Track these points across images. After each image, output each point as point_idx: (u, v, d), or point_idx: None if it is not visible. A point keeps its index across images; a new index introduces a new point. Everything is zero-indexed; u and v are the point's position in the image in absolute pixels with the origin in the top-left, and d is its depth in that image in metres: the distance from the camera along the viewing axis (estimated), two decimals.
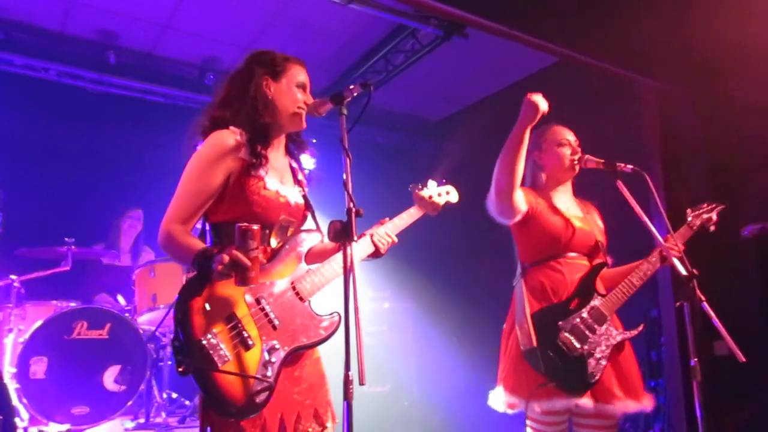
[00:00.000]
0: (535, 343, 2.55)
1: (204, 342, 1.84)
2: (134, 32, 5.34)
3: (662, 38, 4.61)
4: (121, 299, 4.99)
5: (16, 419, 3.60)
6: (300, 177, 2.34)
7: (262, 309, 1.98)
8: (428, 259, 6.24)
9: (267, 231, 2.11)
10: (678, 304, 2.50)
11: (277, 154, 2.25)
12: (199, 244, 1.97)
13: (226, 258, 1.82)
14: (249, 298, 1.97)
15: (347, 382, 1.74)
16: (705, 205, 2.94)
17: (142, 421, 4.30)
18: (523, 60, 5.61)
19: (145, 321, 4.57)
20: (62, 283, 4.78)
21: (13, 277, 4.38)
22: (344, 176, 1.94)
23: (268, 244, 2.12)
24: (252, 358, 1.91)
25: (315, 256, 2.22)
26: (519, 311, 2.69)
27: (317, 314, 2.08)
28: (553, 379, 2.50)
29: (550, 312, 2.63)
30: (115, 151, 5.67)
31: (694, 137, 4.87)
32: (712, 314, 2.44)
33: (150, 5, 4.96)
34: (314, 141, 4.72)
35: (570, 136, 2.90)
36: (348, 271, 1.83)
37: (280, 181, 2.18)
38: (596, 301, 2.66)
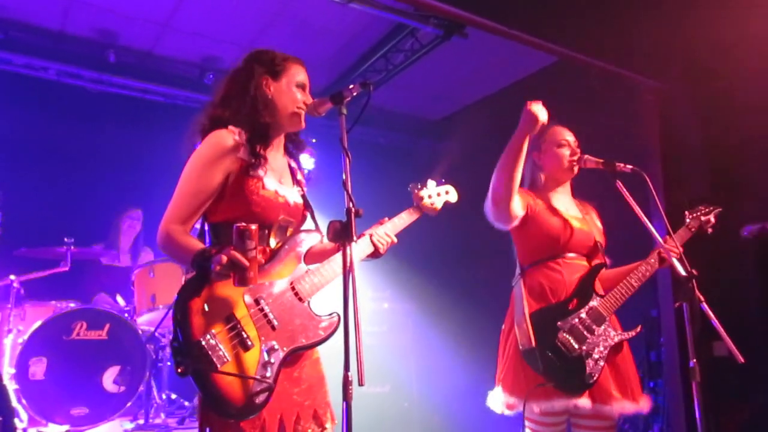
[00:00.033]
0: (533, 343, 2.55)
1: (203, 343, 1.84)
2: (134, 31, 5.33)
3: (662, 38, 4.62)
4: (120, 300, 4.98)
5: (16, 420, 3.59)
6: (299, 177, 2.33)
7: (261, 309, 1.98)
8: (428, 260, 6.23)
9: (266, 231, 2.11)
10: (677, 304, 2.50)
11: (276, 154, 2.25)
12: (198, 245, 1.97)
13: (224, 258, 1.82)
14: (248, 298, 1.97)
15: (346, 383, 1.74)
16: (702, 207, 2.95)
17: (141, 422, 4.29)
18: (523, 60, 5.61)
19: (144, 321, 4.57)
20: (61, 284, 4.78)
21: (12, 277, 4.37)
22: (344, 176, 1.94)
23: (267, 244, 2.12)
24: (251, 359, 1.91)
25: (314, 257, 2.21)
26: (518, 311, 2.69)
27: (316, 315, 2.07)
28: (551, 379, 2.50)
29: (548, 312, 2.64)
30: (115, 150, 5.67)
31: (694, 137, 4.87)
32: (712, 315, 2.44)
33: (150, 4, 4.95)
34: (314, 141, 4.73)
35: (569, 137, 2.89)
36: (347, 271, 1.83)
37: (278, 181, 2.18)
38: (595, 302, 2.66)
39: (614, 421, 2.61)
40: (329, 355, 2.21)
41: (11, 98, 5.16)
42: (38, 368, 4.04)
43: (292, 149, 2.38)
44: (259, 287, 2.00)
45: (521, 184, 2.87)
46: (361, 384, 1.71)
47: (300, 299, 2.06)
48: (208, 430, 1.93)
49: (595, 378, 2.53)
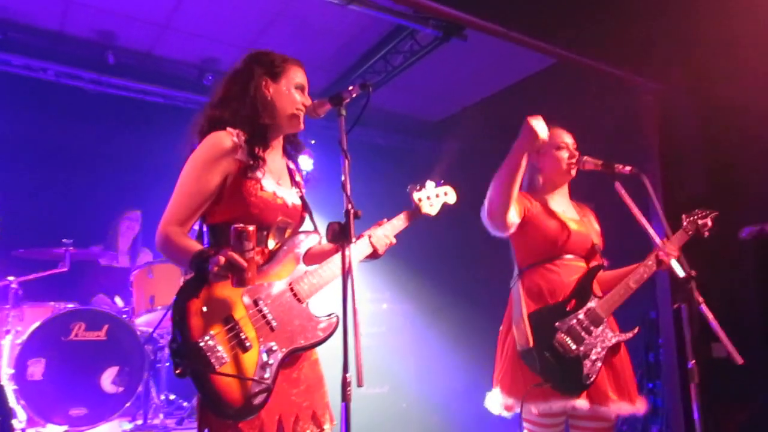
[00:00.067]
0: (531, 343, 2.55)
1: (201, 344, 1.84)
2: (133, 32, 5.33)
3: (661, 40, 4.62)
4: (119, 300, 4.98)
5: (14, 421, 3.59)
6: (297, 178, 2.33)
7: (260, 310, 1.98)
8: (426, 261, 6.24)
9: (264, 232, 2.11)
10: (676, 305, 2.51)
11: (274, 156, 2.25)
12: (196, 246, 1.97)
13: (221, 259, 1.82)
14: (247, 299, 1.97)
15: (345, 384, 1.75)
16: (699, 211, 2.96)
17: (139, 422, 4.29)
18: (522, 61, 5.61)
19: (143, 322, 4.57)
20: (60, 285, 4.77)
21: (10, 278, 4.37)
22: (342, 177, 1.94)
23: (266, 245, 2.12)
24: (250, 360, 1.91)
25: (313, 258, 2.21)
26: (516, 312, 2.69)
27: (315, 316, 2.07)
28: (548, 380, 2.51)
29: (547, 313, 2.64)
30: (114, 151, 5.67)
31: (693, 138, 4.88)
32: (710, 316, 2.45)
33: (149, 5, 4.95)
34: (313, 142, 4.73)
35: (568, 139, 2.90)
36: (346, 272, 1.83)
37: (277, 182, 2.18)
38: (593, 303, 2.67)
39: (612, 423, 2.61)
40: (328, 356, 2.21)
41: (10, 99, 5.16)
42: (37, 369, 4.03)
43: (291, 150, 2.38)
44: (258, 288, 2.00)
45: (519, 187, 2.89)
46: (359, 385, 1.71)
47: (299, 300, 2.06)
48: (206, 430, 1.93)
49: (592, 379, 2.54)
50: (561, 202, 2.91)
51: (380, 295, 5.96)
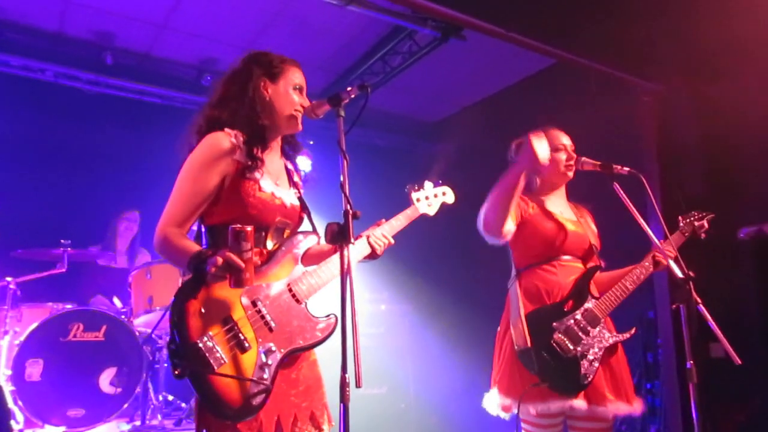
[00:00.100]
0: (529, 343, 2.56)
1: (200, 345, 1.84)
2: (131, 33, 5.33)
3: (659, 40, 4.63)
4: (117, 301, 4.97)
5: (12, 422, 3.59)
6: (296, 179, 2.33)
7: (259, 311, 1.97)
8: (425, 261, 6.24)
9: (263, 233, 2.11)
10: (674, 306, 2.51)
11: (272, 156, 2.25)
12: (194, 247, 1.96)
13: (219, 260, 1.82)
14: (245, 300, 1.97)
15: (344, 384, 1.74)
16: (696, 213, 2.98)
17: (138, 423, 4.29)
18: (521, 62, 5.62)
19: (141, 323, 4.56)
20: (58, 285, 4.77)
21: (8, 278, 4.37)
22: (341, 178, 1.94)
23: (264, 246, 2.12)
24: (248, 361, 1.90)
25: (311, 258, 2.21)
26: (513, 312, 2.70)
27: (314, 316, 2.07)
28: (546, 380, 2.51)
29: (544, 313, 2.65)
30: (112, 152, 5.66)
31: (691, 139, 4.88)
32: (709, 316, 2.45)
33: (147, 5, 4.95)
34: (311, 143, 4.72)
35: (566, 141, 2.90)
36: (345, 273, 1.83)
37: (275, 183, 2.18)
38: (590, 304, 2.68)
39: (610, 423, 2.62)
40: (327, 357, 2.21)
41: (8, 100, 5.15)
42: (35, 370, 4.03)
43: (289, 151, 2.38)
44: (257, 289, 2.00)
45: None
46: (358, 386, 1.71)
47: (297, 301, 2.06)
48: (204, 431, 1.92)
49: (589, 379, 2.54)
50: (558, 203, 2.91)
51: (379, 295, 5.96)
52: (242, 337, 1.91)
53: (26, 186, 5.21)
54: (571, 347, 2.57)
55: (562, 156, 2.86)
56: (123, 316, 4.53)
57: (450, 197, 2.62)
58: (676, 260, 2.59)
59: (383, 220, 2.38)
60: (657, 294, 4.80)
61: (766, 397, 4.23)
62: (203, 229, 2.15)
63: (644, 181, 2.66)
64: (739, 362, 2.41)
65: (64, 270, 4.65)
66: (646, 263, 2.76)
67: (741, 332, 3.03)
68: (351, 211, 1.89)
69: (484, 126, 6.11)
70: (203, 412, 1.93)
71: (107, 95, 5.64)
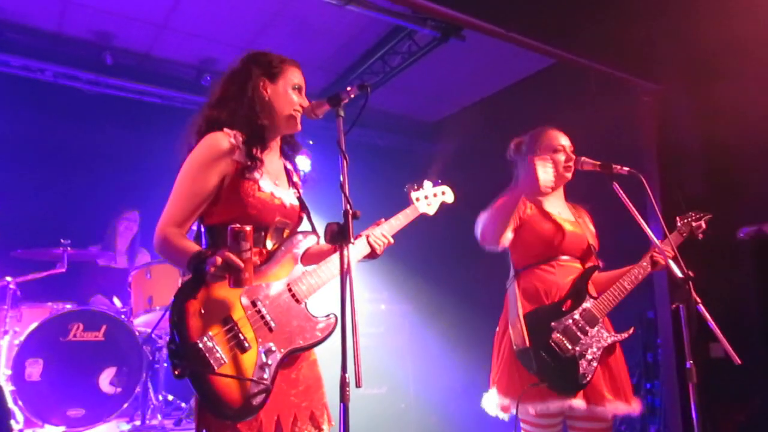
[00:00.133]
0: (527, 343, 2.57)
1: (200, 345, 1.84)
2: (131, 33, 5.33)
3: (659, 40, 4.63)
4: (117, 301, 4.97)
5: (12, 422, 3.59)
6: (295, 179, 2.33)
7: (258, 311, 1.98)
8: (425, 261, 6.24)
9: (262, 233, 2.11)
10: (674, 306, 2.51)
11: (272, 156, 2.25)
12: (194, 247, 1.97)
13: (218, 260, 1.82)
14: (245, 300, 1.97)
15: (344, 384, 1.74)
16: (693, 213, 2.99)
17: (138, 423, 4.29)
18: (520, 62, 5.62)
19: (141, 323, 4.56)
20: (58, 285, 4.77)
21: (8, 278, 4.37)
22: (341, 178, 1.94)
23: (264, 246, 2.12)
24: (248, 361, 1.90)
25: (311, 258, 2.21)
26: (512, 312, 2.71)
27: (313, 316, 2.07)
28: (544, 380, 2.52)
29: (542, 313, 2.65)
30: (112, 152, 5.66)
31: (691, 139, 4.88)
32: (708, 316, 2.45)
33: (147, 5, 4.95)
34: (311, 142, 4.72)
35: (565, 141, 2.91)
36: (345, 273, 1.83)
37: (274, 183, 2.18)
38: (588, 304, 2.68)
39: (609, 423, 2.62)
40: (326, 357, 2.21)
41: (8, 100, 5.15)
42: (34, 369, 4.03)
43: (288, 151, 2.39)
44: (256, 289, 2.00)
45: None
46: (358, 386, 1.71)
47: (297, 301, 2.06)
48: (204, 431, 1.92)
49: (588, 378, 2.55)
50: (556, 204, 2.92)
51: (378, 295, 5.96)
52: (242, 337, 1.91)
53: (26, 186, 5.20)
54: (570, 347, 2.57)
55: (561, 157, 2.86)
56: (123, 316, 4.53)
57: (449, 197, 2.62)
58: (675, 260, 2.59)
59: (383, 219, 2.38)
60: (657, 294, 4.81)
61: (766, 397, 4.23)
62: (203, 229, 2.15)
63: (644, 181, 2.66)
64: (739, 362, 2.41)
65: (63, 270, 4.65)
66: (644, 263, 2.76)
67: (741, 332, 3.03)
68: (351, 211, 1.89)
69: (484, 126, 6.11)
70: (203, 411, 1.93)
71: (107, 95, 5.64)
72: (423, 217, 2.51)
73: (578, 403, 2.50)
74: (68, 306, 4.43)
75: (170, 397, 4.82)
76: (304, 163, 2.52)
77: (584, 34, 4.59)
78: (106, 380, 4.20)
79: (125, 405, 4.19)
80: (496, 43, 4.66)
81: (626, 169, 2.71)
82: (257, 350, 1.93)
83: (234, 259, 1.82)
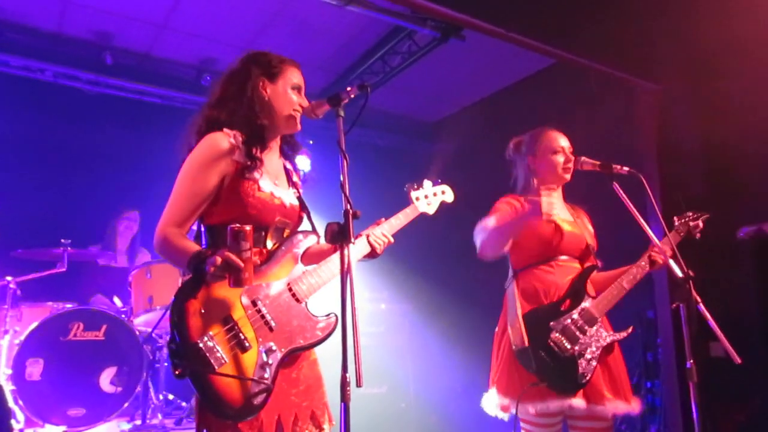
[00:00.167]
0: (526, 343, 2.57)
1: (200, 345, 1.84)
2: (131, 33, 5.33)
3: (659, 40, 4.63)
4: (117, 301, 4.98)
5: (12, 421, 3.59)
6: (295, 179, 2.33)
7: (259, 311, 1.98)
8: (425, 260, 6.24)
9: (262, 233, 2.11)
10: (674, 305, 2.51)
11: (271, 156, 2.25)
12: (194, 247, 1.97)
13: (218, 260, 1.82)
14: (245, 300, 1.97)
15: (344, 384, 1.74)
16: (691, 213, 2.99)
17: (138, 422, 4.28)
18: (520, 62, 5.62)
19: (141, 322, 4.56)
20: (58, 285, 4.77)
21: (8, 278, 4.37)
22: (341, 177, 1.94)
23: (264, 245, 2.12)
24: (249, 360, 1.91)
25: (311, 257, 2.21)
26: (511, 312, 2.71)
27: (314, 315, 2.07)
28: (544, 379, 2.52)
29: (541, 312, 2.66)
30: (112, 152, 5.66)
31: (691, 139, 4.88)
32: (708, 316, 2.45)
33: (147, 5, 4.95)
34: (311, 142, 4.73)
35: (564, 143, 2.91)
36: (345, 272, 1.83)
37: (274, 182, 2.18)
38: (587, 303, 2.68)
39: (610, 422, 2.62)
40: (327, 356, 2.21)
41: (8, 100, 5.16)
42: (35, 369, 4.03)
43: (288, 151, 2.39)
44: (256, 288, 2.00)
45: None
46: (358, 385, 1.71)
47: (297, 300, 2.06)
48: (205, 431, 1.92)
49: (587, 378, 2.55)
50: (555, 204, 2.92)
51: (379, 294, 5.96)
52: (243, 337, 1.91)
53: (26, 186, 5.21)
54: (569, 346, 2.58)
55: (560, 158, 2.87)
56: (123, 316, 4.53)
57: (449, 196, 2.62)
58: (675, 259, 2.60)
59: (383, 219, 2.38)
60: (657, 293, 4.81)
61: (766, 397, 4.23)
62: (203, 229, 2.15)
63: (644, 181, 2.66)
64: (739, 361, 2.42)
65: (64, 269, 4.65)
66: (643, 262, 2.77)
67: (741, 332, 3.03)
68: (351, 211, 1.90)
69: (484, 126, 6.12)
70: (204, 411, 1.93)
71: (107, 95, 5.65)
72: (423, 216, 2.52)
73: (578, 402, 2.51)
74: (68, 305, 4.43)
75: (171, 397, 4.83)
76: (304, 162, 2.53)
77: (584, 34, 4.59)
78: (106, 380, 4.20)
79: (126, 404, 4.19)
80: (496, 43, 4.66)
81: (626, 168, 2.72)
82: (258, 350, 1.93)
83: (234, 259, 1.83)
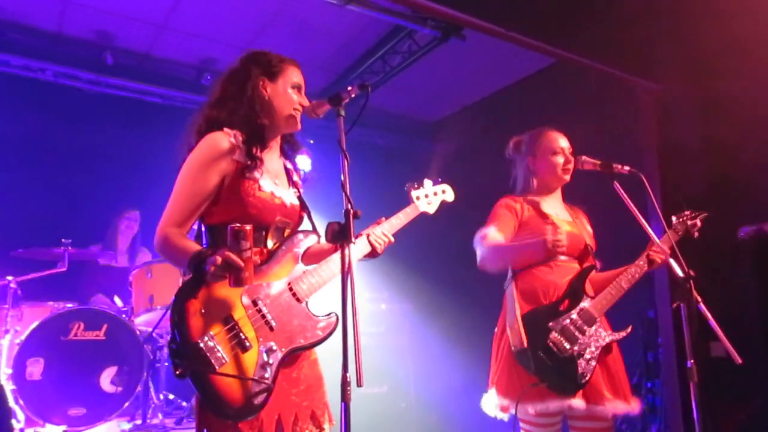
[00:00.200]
0: (525, 343, 2.57)
1: (201, 344, 1.84)
2: (131, 33, 5.33)
3: (659, 40, 4.62)
4: (117, 300, 4.98)
5: (13, 421, 3.59)
6: (295, 178, 2.33)
7: (259, 310, 1.98)
8: (425, 260, 6.24)
9: (263, 232, 2.11)
10: (675, 305, 2.51)
11: (271, 156, 2.25)
12: (195, 247, 1.97)
13: (218, 259, 1.82)
14: (246, 299, 1.97)
15: (345, 384, 1.74)
16: (689, 212, 2.99)
17: (138, 422, 4.29)
18: (521, 61, 5.62)
19: (142, 322, 4.56)
20: (59, 284, 4.78)
21: (9, 278, 4.37)
22: (342, 177, 1.94)
23: (265, 245, 2.12)
24: (249, 360, 1.91)
25: (312, 257, 2.21)
26: (510, 313, 2.71)
27: (314, 315, 2.07)
28: (543, 380, 2.52)
29: (540, 313, 2.66)
30: (112, 152, 5.66)
31: (691, 138, 4.88)
32: (709, 315, 2.45)
33: (147, 5, 4.95)
34: (311, 142, 4.73)
35: (564, 143, 2.91)
36: (345, 272, 1.83)
37: (274, 182, 2.18)
38: (585, 303, 2.68)
39: (610, 422, 2.62)
40: (327, 356, 2.21)
41: (8, 100, 5.16)
42: (35, 369, 4.03)
43: (288, 150, 2.39)
44: (257, 288, 2.00)
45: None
46: (359, 385, 1.71)
47: (298, 300, 2.06)
48: (205, 431, 1.92)
49: (587, 378, 2.55)
50: (554, 205, 2.93)
51: (379, 294, 5.97)
52: (243, 337, 1.91)
53: (27, 185, 5.21)
54: (568, 347, 2.58)
55: (560, 159, 2.87)
56: (124, 315, 4.53)
57: (450, 195, 2.62)
58: (675, 259, 2.60)
59: (383, 218, 2.38)
60: (657, 293, 4.80)
61: (766, 397, 4.23)
62: (203, 229, 2.15)
63: (644, 181, 2.66)
64: (740, 361, 2.42)
65: (64, 269, 4.66)
66: (641, 262, 2.77)
67: (741, 331, 3.03)
68: (352, 211, 1.89)
69: (484, 125, 6.12)
70: (204, 411, 1.93)
71: (107, 95, 5.65)
72: (423, 215, 2.52)
73: (578, 402, 2.51)
74: (69, 305, 4.43)
75: (171, 396, 4.83)
76: (304, 162, 2.52)
77: (584, 34, 4.58)
78: (107, 379, 4.20)
79: (126, 404, 4.20)
80: (496, 42, 4.66)
81: (627, 168, 2.72)
82: (258, 349, 1.93)
83: (234, 259, 1.83)
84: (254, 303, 1.98)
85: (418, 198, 2.51)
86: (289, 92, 2.22)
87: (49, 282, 4.66)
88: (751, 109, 4.22)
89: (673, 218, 2.97)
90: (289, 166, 2.36)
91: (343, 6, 4.47)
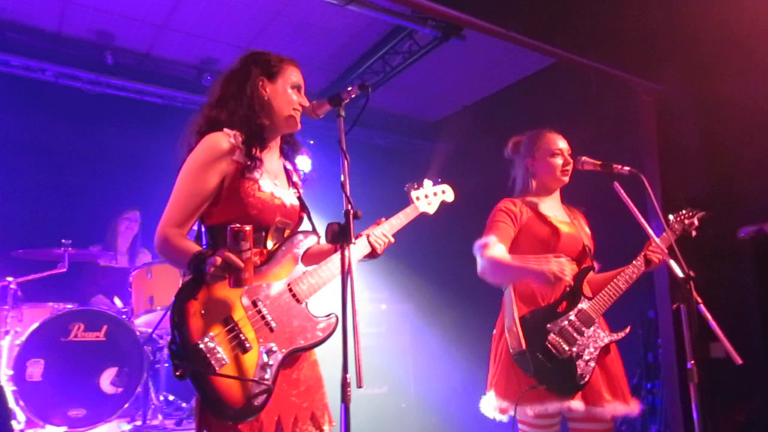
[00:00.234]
0: (524, 345, 2.56)
1: (201, 345, 1.83)
2: (131, 33, 5.33)
3: (659, 39, 4.63)
4: (117, 301, 4.97)
5: (13, 422, 3.59)
6: (295, 179, 2.33)
7: (259, 311, 1.97)
8: (425, 260, 6.24)
9: (263, 233, 2.11)
10: (675, 306, 2.50)
11: (271, 156, 2.25)
12: (194, 247, 1.96)
13: (218, 260, 1.81)
14: (246, 300, 1.97)
15: (345, 384, 1.74)
16: (687, 211, 2.98)
17: (138, 423, 4.29)
18: (521, 61, 5.62)
19: (142, 323, 4.56)
20: (59, 285, 4.77)
21: (9, 278, 4.36)
22: (342, 177, 1.94)
23: (265, 246, 2.12)
24: (250, 361, 1.90)
25: (312, 258, 2.21)
26: (508, 315, 2.71)
27: (314, 316, 2.07)
28: (542, 381, 2.52)
29: (538, 315, 2.65)
30: (113, 152, 5.67)
31: (691, 138, 4.88)
32: (709, 316, 2.45)
33: (147, 5, 4.95)
34: (312, 142, 4.72)
35: (563, 145, 2.91)
36: (346, 273, 1.83)
37: (274, 182, 2.18)
38: (584, 304, 2.68)
39: (610, 424, 2.61)
40: (327, 357, 2.21)
41: (8, 100, 5.16)
42: (36, 370, 4.03)
43: (288, 151, 2.38)
44: (257, 289, 2.00)
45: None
46: (359, 386, 1.71)
47: (298, 301, 2.06)
48: (205, 431, 1.92)
49: (586, 379, 2.55)
50: (552, 206, 2.92)
51: (379, 295, 5.96)
52: (243, 338, 1.91)
53: (27, 186, 5.21)
54: (566, 348, 2.57)
55: (559, 161, 2.87)
56: (124, 316, 4.53)
57: (449, 195, 2.62)
58: (674, 259, 2.59)
59: (383, 219, 2.37)
60: (657, 294, 4.80)
61: (766, 397, 4.23)
62: (203, 230, 2.15)
63: (644, 181, 2.66)
64: (740, 362, 2.41)
65: (64, 270, 4.66)
66: (638, 262, 2.76)
67: (741, 332, 3.03)
68: (352, 211, 1.89)
69: (484, 126, 6.12)
70: (204, 412, 1.93)
71: (108, 95, 5.65)
72: (423, 216, 2.52)
73: (577, 404, 2.50)
74: (69, 306, 4.43)
75: (171, 397, 4.83)
76: (304, 162, 2.52)
77: (584, 33, 4.59)
78: (107, 380, 4.20)
79: (126, 405, 4.19)
80: (496, 42, 4.66)
81: (627, 168, 2.72)
82: (258, 350, 1.93)
83: (234, 259, 1.82)
84: (254, 304, 1.98)
85: (418, 198, 2.51)
86: (288, 92, 2.22)
87: (49, 283, 4.65)
88: (751, 109, 4.22)
89: (671, 217, 2.97)
90: (289, 166, 2.35)
91: (344, 6, 4.47)
